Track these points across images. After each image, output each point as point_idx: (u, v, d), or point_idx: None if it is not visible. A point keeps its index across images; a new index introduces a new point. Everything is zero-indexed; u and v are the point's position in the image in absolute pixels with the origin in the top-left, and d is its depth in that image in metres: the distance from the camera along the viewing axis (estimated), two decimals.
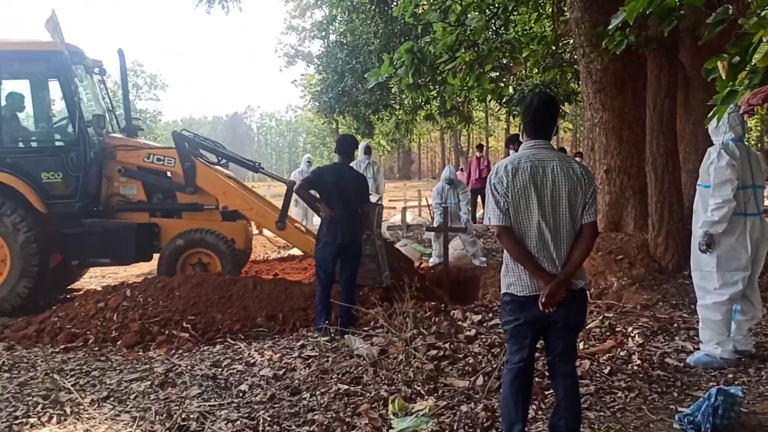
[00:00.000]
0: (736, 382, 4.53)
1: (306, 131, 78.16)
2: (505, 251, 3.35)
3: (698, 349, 5.04)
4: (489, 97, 9.35)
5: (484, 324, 5.95)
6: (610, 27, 6.51)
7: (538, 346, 3.47)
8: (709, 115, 4.23)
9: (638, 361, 4.86)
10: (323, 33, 19.45)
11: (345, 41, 16.07)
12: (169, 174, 8.35)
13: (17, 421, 4.33)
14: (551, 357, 3.41)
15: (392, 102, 16.76)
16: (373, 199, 7.53)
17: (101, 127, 8.03)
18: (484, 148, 16.98)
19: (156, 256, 8.12)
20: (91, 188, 7.94)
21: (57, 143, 8.24)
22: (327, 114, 19.49)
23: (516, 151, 9.32)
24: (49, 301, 7.81)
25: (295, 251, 11.49)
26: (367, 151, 12.50)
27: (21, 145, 8.19)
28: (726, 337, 4.90)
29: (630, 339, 5.35)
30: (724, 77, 3.04)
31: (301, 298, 6.73)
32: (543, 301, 3.17)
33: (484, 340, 5.28)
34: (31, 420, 4.34)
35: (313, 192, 6.31)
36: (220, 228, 8.00)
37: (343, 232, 6.07)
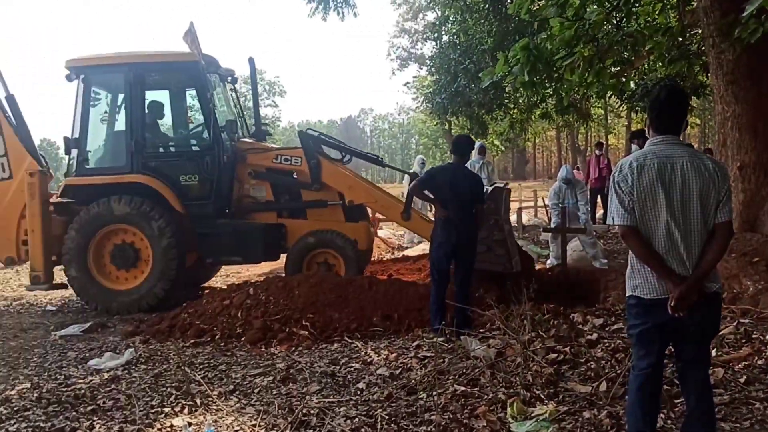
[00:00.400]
0: None
1: (418, 133, 78.44)
2: (630, 252, 3.22)
3: None
4: (609, 92, 9.03)
5: (607, 328, 5.74)
6: (744, 14, 6.13)
7: (666, 352, 3.32)
8: None
9: None
10: (436, 34, 19.43)
11: (458, 41, 16.00)
12: (295, 174, 8.69)
13: (153, 410, 4.63)
14: (682, 364, 3.26)
15: (506, 101, 16.50)
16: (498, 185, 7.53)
17: (233, 132, 8.51)
18: (604, 146, 16.35)
19: (282, 255, 8.47)
20: (224, 190, 8.42)
21: (194, 148, 8.77)
22: (440, 115, 19.52)
23: (640, 146, 8.97)
24: (185, 297, 8.30)
25: (409, 252, 11.59)
26: (481, 151, 12.42)
27: (161, 150, 8.77)
28: None
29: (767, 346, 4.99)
30: None
31: (416, 299, 6.77)
32: (672, 304, 3.03)
33: (607, 344, 5.10)
34: (166, 409, 4.62)
35: (427, 192, 6.34)
36: (344, 229, 8.26)
37: (458, 233, 6.04)
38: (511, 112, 17.43)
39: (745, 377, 4.44)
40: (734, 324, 5.62)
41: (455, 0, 15.42)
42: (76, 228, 8.25)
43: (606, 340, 5.25)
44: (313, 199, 8.58)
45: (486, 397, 4.37)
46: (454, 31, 16.73)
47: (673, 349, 3.33)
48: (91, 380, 5.38)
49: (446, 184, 6.06)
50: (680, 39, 9.02)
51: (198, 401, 4.75)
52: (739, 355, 4.87)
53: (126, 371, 5.60)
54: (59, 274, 8.75)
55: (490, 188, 7.48)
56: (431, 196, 6.26)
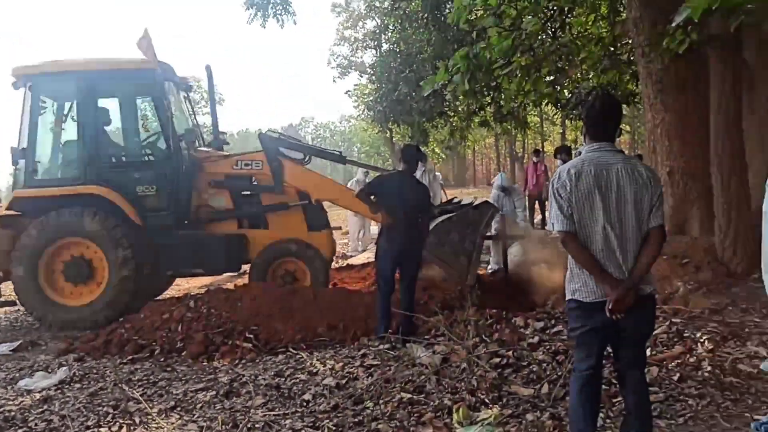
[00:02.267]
0: None
1: (360, 141, 78.72)
2: (569, 257, 3.31)
3: None
4: (545, 101, 9.25)
5: (547, 331, 5.88)
6: (672, 25, 6.39)
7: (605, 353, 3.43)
8: None
9: (709, 368, 4.71)
10: (375, 42, 19.64)
11: (398, 50, 16.17)
12: (254, 179, 8.57)
13: (88, 431, 4.48)
14: (620, 365, 3.37)
15: (446, 109, 16.72)
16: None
17: (192, 140, 8.33)
18: (541, 153, 16.74)
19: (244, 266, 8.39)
20: (183, 200, 8.22)
21: (150, 157, 8.54)
22: (381, 123, 19.61)
23: (564, 161, 9.25)
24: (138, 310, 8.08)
25: (354, 260, 11.58)
26: (423, 158, 12.50)
27: (115, 160, 8.50)
28: None
29: (699, 345, 5.18)
30: None
31: (361, 307, 6.78)
32: (610, 307, 3.13)
33: (548, 347, 5.22)
34: (102, 430, 4.49)
35: (373, 198, 6.35)
36: (308, 238, 8.18)
37: (402, 241, 6.07)
38: (452, 120, 17.67)
39: (678, 375, 4.61)
40: (667, 324, 5.81)
41: (395, 9, 15.56)
42: (25, 242, 7.91)
43: (547, 343, 5.36)
44: (273, 203, 8.43)
45: (432, 403, 4.41)
46: (394, 39, 16.93)
47: (611, 351, 3.44)
48: (22, 402, 5.19)
49: (393, 192, 6.09)
50: (612, 49, 9.34)
51: (137, 419, 4.63)
52: (672, 353, 5.05)
53: (59, 391, 5.42)
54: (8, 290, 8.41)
55: (475, 201, 7.59)
56: (377, 203, 6.28)
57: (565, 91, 8.73)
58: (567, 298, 3.38)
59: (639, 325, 3.26)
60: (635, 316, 3.19)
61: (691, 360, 4.90)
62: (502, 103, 9.36)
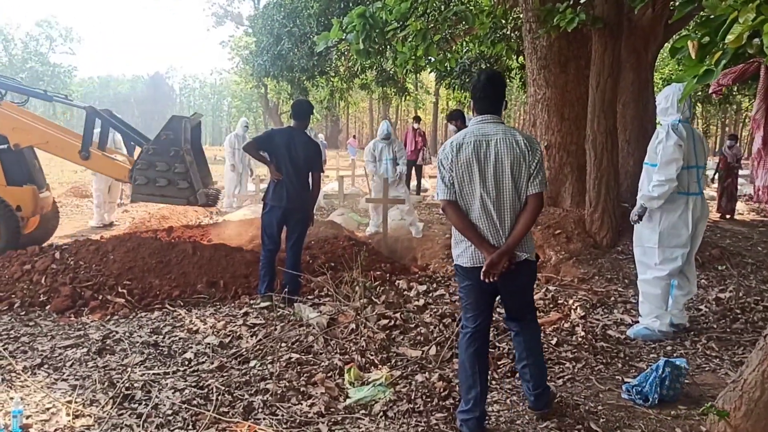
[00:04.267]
0: (674, 354, 4.71)
1: (231, 95, 76.13)
2: (452, 226, 3.45)
3: (637, 322, 5.21)
4: (434, 68, 9.30)
5: (430, 294, 5.99)
6: (562, 4, 6.57)
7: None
8: (681, 92, 4.35)
9: (582, 333, 4.98)
10: None
11: (283, 3, 15.61)
12: None
13: None
14: (509, 315, 3.59)
15: (329, 69, 16.45)
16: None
17: None
18: (421, 120, 16.94)
19: None
20: None
21: None
22: (260, 78, 18.97)
23: (458, 127, 9.40)
24: None
25: (230, 216, 11.24)
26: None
27: None
28: (664, 310, 5.07)
29: (573, 311, 5.48)
30: (693, 56, 3.07)
31: (242, 265, 6.59)
32: (484, 270, 3.28)
33: (435, 310, 5.29)
34: None
35: (263, 153, 6.12)
36: (4, 193, 7.46)
37: (290, 197, 5.92)
38: (333, 80, 17.43)
39: (555, 339, 4.84)
40: (543, 291, 6.10)
41: None
42: None
43: (432, 306, 5.45)
44: None
45: (322, 363, 4.35)
46: None
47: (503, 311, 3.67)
48: None
49: (283, 147, 5.91)
50: (503, 21, 9.51)
51: None
52: (549, 319, 5.30)
53: None
54: None
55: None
56: (266, 157, 6.06)
57: (454, 59, 8.77)
58: (454, 264, 3.54)
59: (514, 288, 3.44)
60: (510, 280, 3.35)
61: (566, 326, 5.15)
62: (397, 65, 9.20)
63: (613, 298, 6.03)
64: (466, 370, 3.43)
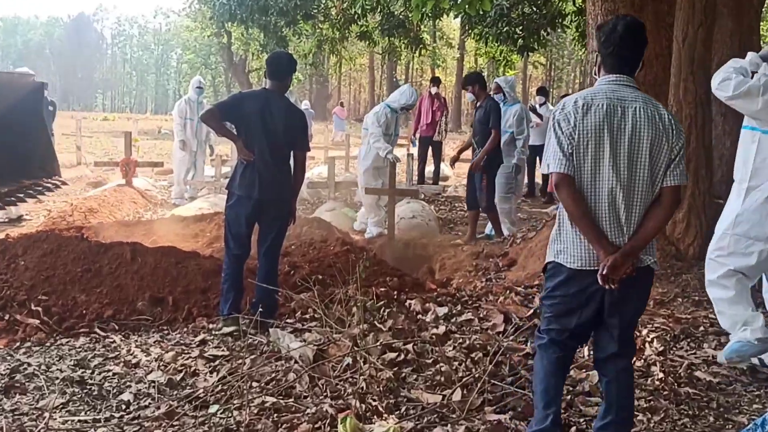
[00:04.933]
0: None
1: (182, 46, 76.23)
2: (560, 208, 3.54)
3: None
4: (461, 12, 9.26)
5: (453, 319, 6.00)
6: None
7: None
8: None
9: (660, 375, 4.99)
10: None
11: None
12: None
13: None
14: (601, 350, 3.66)
15: (316, 11, 16.49)
16: None
17: None
18: (441, 83, 16.96)
19: None
20: None
21: None
22: (222, 23, 19.04)
23: (475, 94, 9.43)
24: None
25: (181, 210, 11.29)
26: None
27: None
28: (751, 312, 5.11)
29: (647, 345, 5.49)
30: None
31: (199, 276, 6.65)
32: (603, 273, 3.34)
33: (460, 340, 5.31)
34: None
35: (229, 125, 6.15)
36: None
37: (263, 184, 5.92)
38: (321, 27, 17.47)
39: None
40: None
41: None
42: None
43: (456, 335, 5.47)
44: None
45: (307, 411, 4.37)
46: None
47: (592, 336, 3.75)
48: None
49: (255, 116, 5.90)
50: None
51: None
52: None
53: None
54: None
55: None
56: (232, 131, 6.07)
57: (488, 1, 8.73)
58: (548, 260, 3.62)
59: (631, 300, 3.51)
60: (629, 290, 3.42)
61: (639, 364, 5.17)
62: (394, 10, 9.21)
63: (702, 328, 6.03)
64: (548, 380, 3.60)
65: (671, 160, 3.41)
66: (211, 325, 6.00)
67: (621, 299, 3.47)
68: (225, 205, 6.20)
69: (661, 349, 5.45)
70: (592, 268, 3.40)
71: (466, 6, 8.30)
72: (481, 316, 6.11)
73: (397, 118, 10.39)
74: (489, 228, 10.16)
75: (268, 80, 6.15)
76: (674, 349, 5.55)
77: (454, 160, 11.31)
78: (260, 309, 5.70)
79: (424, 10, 8.21)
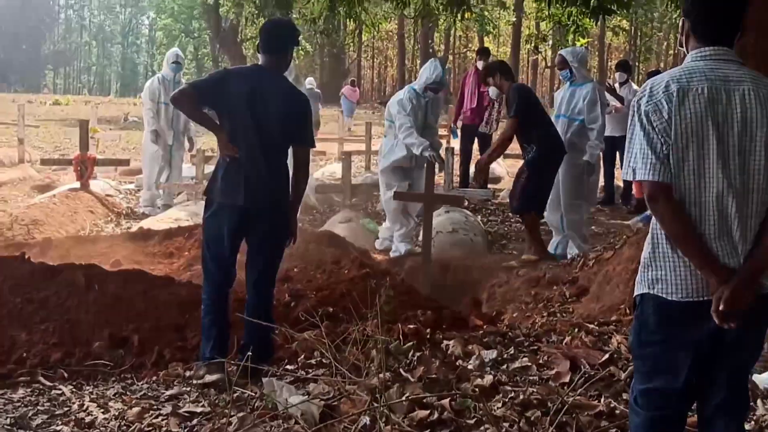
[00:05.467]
0: None
1: (157, 8, 76.89)
2: (653, 226, 3.45)
3: None
4: None
5: (504, 366, 5.98)
6: None
7: None
8: None
9: None
10: None
11: None
12: None
13: None
14: (708, 406, 3.55)
15: None
16: None
17: None
18: (490, 55, 16.94)
19: None
20: None
21: None
22: None
23: (497, 86, 9.46)
24: None
25: (151, 222, 11.38)
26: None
27: None
28: None
29: (761, 402, 5.44)
30: None
31: (173, 309, 6.71)
32: (722, 309, 3.20)
33: (511, 395, 5.29)
34: None
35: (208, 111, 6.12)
36: None
37: (250, 189, 5.85)
38: None
39: None
40: None
41: None
42: None
43: (508, 387, 5.45)
44: None
45: None
46: None
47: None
48: None
49: (242, 99, 5.84)
50: None
51: None
52: None
53: None
54: None
55: None
56: (212, 118, 6.04)
57: None
58: (639, 292, 3.51)
59: (750, 340, 3.44)
60: (746, 326, 3.29)
61: (747, 427, 5.11)
62: None
63: None
64: None
65: None
66: (188, 373, 6.00)
67: (737, 339, 3.35)
68: (202, 215, 6.20)
69: None
70: (703, 298, 3.29)
71: None
72: (541, 362, 6.08)
73: (428, 102, 10.35)
74: (554, 245, 10.10)
75: (261, 55, 6.14)
76: None
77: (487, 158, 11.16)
78: (250, 353, 5.69)
79: None
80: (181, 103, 6.09)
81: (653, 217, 3.41)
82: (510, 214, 13.48)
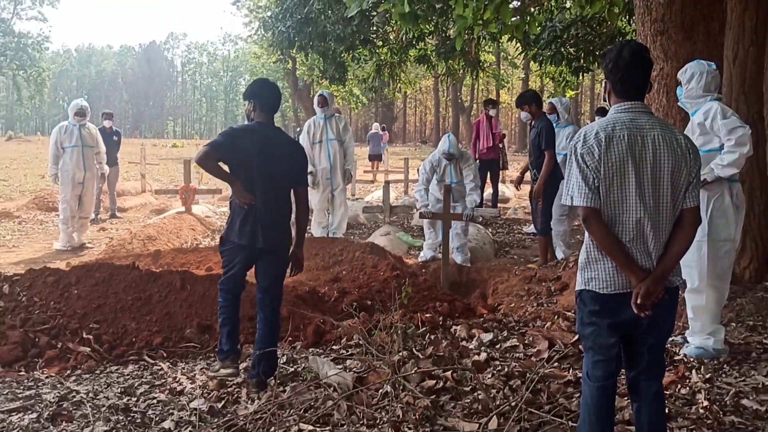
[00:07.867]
0: None
1: (251, 72, 77.28)
2: (586, 238, 3.64)
3: None
4: (510, 35, 9.28)
5: (498, 345, 6.00)
6: None
7: None
8: None
9: (705, 403, 4.89)
10: None
11: None
12: None
13: None
14: (634, 372, 3.72)
15: (373, 37, 16.61)
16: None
17: None
18: (498, 105, 16.94)
19: None
20: None
21: None
22: (283, 50, 19.27)
23: (531, 114, 9.48)
24: None
25: None
26: (323, 102, 11.74)
27: None
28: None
29: (694, 371, 5.40)
30: None
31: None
32: (639, 302, 3.44)
33: (499, 368, 5.31)
34: None
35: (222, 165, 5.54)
36: None
37: (265, 232, 5.41)
38: (379, 52, 17.59)
39: (666, 409, 4.77)
40: None
41: None
42: None
43: (498, 362, 5.47)
44: None
45: None
46: None
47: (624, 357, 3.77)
48: None
49: (253, 153, 5.39)
50: None
51: None
52: None
53: None
54: None
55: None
56: (226, 171, 5.49)
57: (536, 23, 8.76)
58: (579, 288, 3.70)
59: (662, 322, 3.61)
60: (659, 312, 3.52)
61: (683, 391, 5.09)
62: (450, 33, 9.32)
63: (754, 354, 5.91)
64: (597, 410, 3.63)
65: (690, 182, 3.51)
66: (207, 367, 5.92)
67: (653, 321, 3.54)
68: (219, 248, 5.80)
69: (708, 376, 5.35)
70: (625, 290, 3.50)
71: (514, 30, 8.33)
72: (526, 342, 6.10)
73: (452, 167, 10.40)
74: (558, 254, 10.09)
75: (259, 113, 5.57)
76: (722, 375, 5.44)
77: (519, 180, 11.77)
78: (259, 369, 5.44)
79: (473, 35, 8.23)
80: (204, 162, 5.28)
81: (586, 232, 3.58)
82: (515, 227, 13.54)
